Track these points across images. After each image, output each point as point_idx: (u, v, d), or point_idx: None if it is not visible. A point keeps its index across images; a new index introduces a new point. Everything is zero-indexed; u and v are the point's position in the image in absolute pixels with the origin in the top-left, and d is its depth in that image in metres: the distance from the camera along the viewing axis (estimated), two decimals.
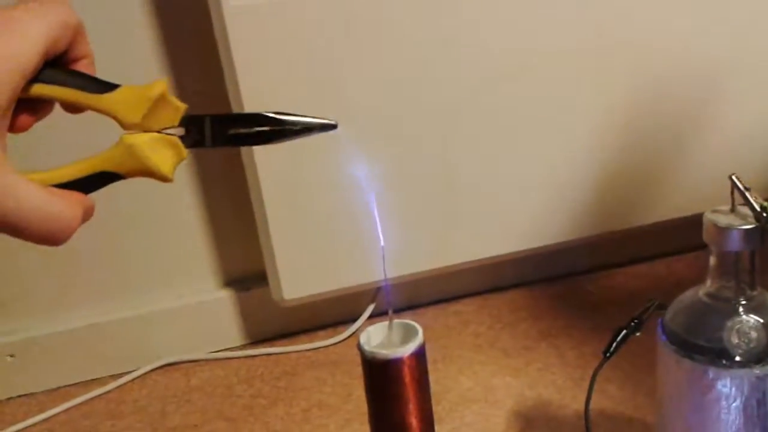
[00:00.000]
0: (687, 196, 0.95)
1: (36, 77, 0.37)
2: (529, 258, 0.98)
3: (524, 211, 0.93)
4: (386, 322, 0.44)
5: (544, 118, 0.89)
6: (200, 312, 0.96)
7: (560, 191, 0.93)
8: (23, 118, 0.38)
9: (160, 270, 0.95)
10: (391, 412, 0.43)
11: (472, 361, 0.89)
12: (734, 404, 0.52)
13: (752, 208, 0.50)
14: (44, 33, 0.35)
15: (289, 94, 0.81)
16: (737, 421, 0.53)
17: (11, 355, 0.92)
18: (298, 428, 0.81)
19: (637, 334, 0.60)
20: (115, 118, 0.38)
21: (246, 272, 0.98)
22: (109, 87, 0.38)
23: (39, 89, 0.37)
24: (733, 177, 0.51)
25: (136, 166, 0.38)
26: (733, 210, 0.52)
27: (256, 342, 0.98)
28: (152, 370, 0.94)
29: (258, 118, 0.39)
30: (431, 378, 0.45)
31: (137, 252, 0.93)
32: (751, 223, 0.50)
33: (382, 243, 0.43)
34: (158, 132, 0.39)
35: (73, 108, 0.40)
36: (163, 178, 0.39)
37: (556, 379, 0.83)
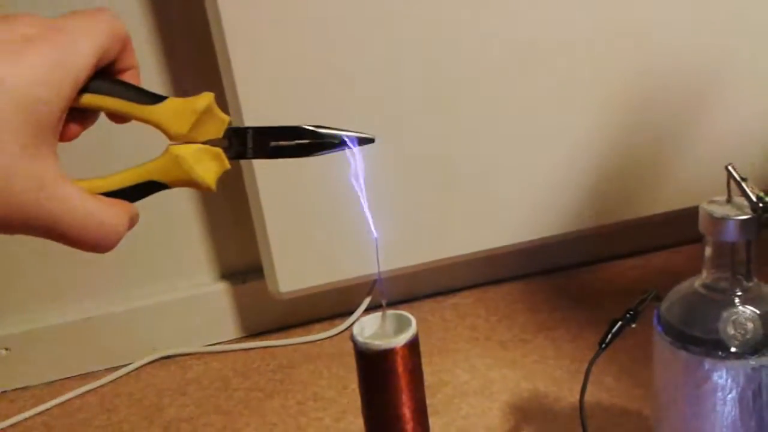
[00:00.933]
0: (684, 189, 0.95)
1: (86, 87, 0.37)
2: (526, 251, 0.98)
3: (520, 204, 0.93)
4: (380, 313, 0.44)
5: (540, 111, 0.89)
6: (196, 305, 0.96)
7: (557, 184, 0.93)
8: (72, 127, 0.39)
9: (155, 263, 0.95)
10: (384, 403, 0.43)
11: (468, 353, 0.88)
12: (730, 395, 0.52)
13: (748, 199, 0.50)
14: (96, 44, 0.36)
15: (286, 90, 0.81)
16: (733, 413, 0.53)
17: (6, 349, 0.92)
18: (293, 421, 0.81)
19: (633, 325, 0.60)
20: (162, 129, 0.39)
21: (242, 265, 0.98)
22: (156, 99, 0.39)
23: (88, 99, 0.38)
24: (730, 167, 0.51)
25: (181, 177, 0.39)
26: (729, 200, 0.52)
27: (252, 335, 0.98)
28: (148, 363, 0.94)
29: (298, 131, 0.40)
30: (427, 371, 0.44)
31: (133, 245, 0.92)
32: (747, 214, 0.50)
33: (375, 235, 0.43)
34: (203, 143, 0.39)
35: (119, 118, 0.40)
36: (207, 188, 0.40)
37: (552, 371, 0.83)
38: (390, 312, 0.44)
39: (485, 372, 0.84)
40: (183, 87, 0.88)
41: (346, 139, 0.41)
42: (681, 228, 0.99)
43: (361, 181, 0.42)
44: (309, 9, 0.80)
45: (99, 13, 0.37)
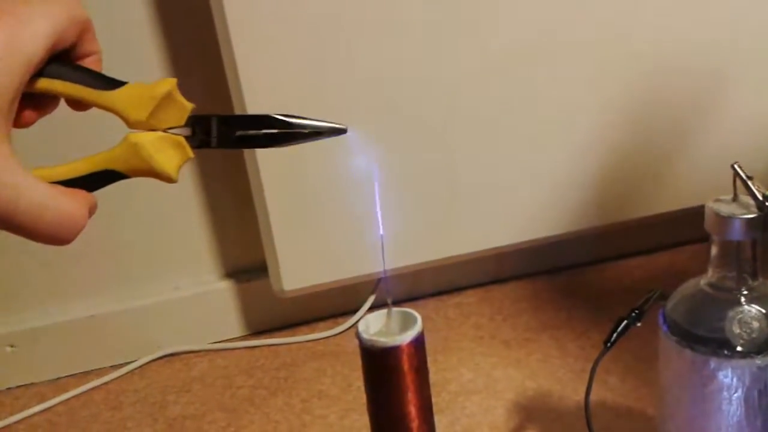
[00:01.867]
0: (689, 188, 0.94)
1: (41, 72, 0.36)
2: (530, 250, 0.98)
3: (525, 203, 0.93)
4: (385, 311, 0.44)
5: (546, 110, 0.89)
6: (200, 303, 0.96)
7: (562, 183, 0.93)
8: (27, 114, 0.37)
9: (160, 261, 0.95)
10: (389, 400, 0.43)
11: (473, 352, 0.88)
12: (735, 395, 0.52)
13: (754, 197, 0.50)
14: (51, 26, 0.35)
15: (289, 85, 0.81)
16: (738, 412, 0.53)
17: (11, 346, 0.92)
18: (297, 419, 0.81)
19: (638, 324, 0.59)
20: (120, 115, 0.38)
21: (246, 263, 0.98)
22: (115, 84, 0.38)
23: (44, 84, 0.37)
24: (736, 166, 0.51)
25: (140, 166, 0.38)
26: (735, 199, 0.52)
27: (256, 333, 0.98)
28: (152, 361, 0.94)
29: (266, 120, 0.39)
30: (431, 369, 0.44)
31: (137, 243, 0.93)
32: (753, 213, 0.50)
33: (381, 232, 0.43)
34: (164, 131, 0.38)
35: (77, 104, 0.39)
36: (167, 179, 0.38)
37: (556, 370, 0.83)
38: (395, 310, 0.44)
39: (489, 371, 0.84)
40: (185, 85, 0.88)
41: (317, 128, 0.39)
42: (686, 227, 0.98)
43: (373, 183, 0.41)
44: (314, 3, 0.80)
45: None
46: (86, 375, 0.93)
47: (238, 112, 0.82)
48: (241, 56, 0.79)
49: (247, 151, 0.85)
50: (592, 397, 0.62)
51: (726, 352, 0.51)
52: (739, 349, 0.51)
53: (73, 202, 0.36)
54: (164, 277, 0.95)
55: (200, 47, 0.86)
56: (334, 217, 0.86)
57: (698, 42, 0.89)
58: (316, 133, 0.39)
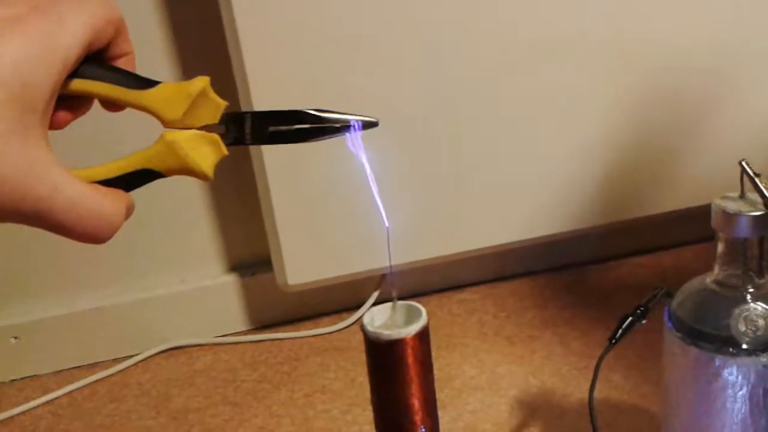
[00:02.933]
0: (694, 187, 0.94)
1: (75, 72, 0.36)
2: (535, 247, 0.97)
3: (531, 200, 0.92)
4: (390, 304, 0.44)
5: (551, 108, 0.89)
6: (205, 297, 0.96)
7: (567, 181, 0.92)
8: (62, 114, 0.37)
9: (164, 254, 0.95)
10: (393, 393, 0.43)
11: (476, 349, 0.88)
12: (740, 392, 0.52)
13: (761, 194, 0.50)
14: (87, 26, 0.35)
15: (296, 81, 0.81)
16: (743, 410, 0.52)
17: (15, 337, 0.93)
18: (301, 413, 0.81)
19: (643, 321, 0.59)
20: (155, 114, 0.38)
21: (250, 257, 0.98)
22: (149, 83, 0.38)
23: (78, 84, 0.36)
24: (743, 163, 0.50)
25: (176, 164, 0.38)
26: (742, 196, 0.51)
27: (260, 327, 0.98)
28: (156, 354, 0.94)
29: (298, 116, 0.39)
30: (435, 365, 0.44)
31: (142, 236, 0.93)
32: (760, 210, 0.50)
33: (386, 224, 0.43)
34: (199, 129, 0.38)
35: (112, 105, 0.39)
36: (204, 176, 0.38)
37: (560, 367, 0.83)
38: (400, 303, 0.44)
39: (493, 367, 0.84)
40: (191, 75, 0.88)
41: (349, 122, 0.39)
42: (692, 226, 0.98)
43: (367, 168, 0.41)
44: (323, 9, 0.80)
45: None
46: (90, 367, 0.94)
47: (245, 109, 0.82)
48: (249, 56, 0.79)
49: (252, 146, 0.84)
50: (596, 394, 0.62)
51: (731, 349, 0.51)
52: (744, 346, 0.51)
53: (109, 200, 0.36)
54: (169, 270, 0.95)
55: (208, 45, 0.86)
56: (339, 211, 0.86)
57: (705, 40, 0.89)
58: (347, 127, 0.39)
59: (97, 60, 0.37)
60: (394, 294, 0.44)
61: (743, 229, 0.50)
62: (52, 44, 0.33)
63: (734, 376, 0.52)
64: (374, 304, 0.95)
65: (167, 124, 0.38)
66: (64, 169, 0.34)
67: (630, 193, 0.95)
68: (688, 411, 0.56)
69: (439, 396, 0.45)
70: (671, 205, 0.96)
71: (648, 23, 0.88)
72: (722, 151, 0.92)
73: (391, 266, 0.44)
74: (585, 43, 0.87)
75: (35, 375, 0.94)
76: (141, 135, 0.39)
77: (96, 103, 0.39)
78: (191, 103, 0.38)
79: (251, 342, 0.96)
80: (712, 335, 0.52)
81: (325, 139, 0.39)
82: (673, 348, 0.55)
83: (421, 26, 0.82)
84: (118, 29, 0.37)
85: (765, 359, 0.51)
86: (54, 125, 0.37)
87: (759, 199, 0.50)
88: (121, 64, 0.39)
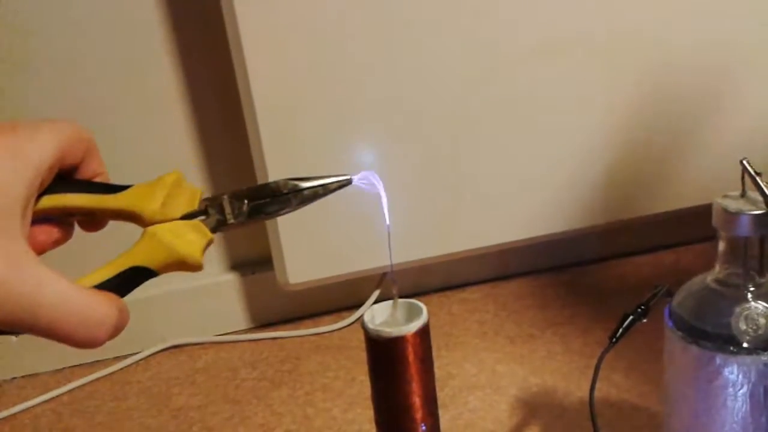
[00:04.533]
0: (695, 186, 0.94)
1: (48, 190, 0.36)
2: (536, 246, 0.97)
3: (531, 199, 0.92)
4: (391, 301, 0.44)
5: (552, 108, 0.89)
6: (205, 295, 0.96)
7: (568, 180, 0.92)
8: (42, 238, 0.38)
9: None
10: (394, 391, 0.43)
11: (477, 348, 0.88)
12: (741, 391, 0.52)
13: (763, 194, 0.50)
14: (56, 139, 0.35)
15: (299, 83, 0.81)
16: (744, 408, 0.52)
17: (16, 335, 0.93)
18: (301, 411, 0.81)
19: (644, 320, 0.59)
20: (134, 214, 0.38)
21: (252, 256, 0.98)
22: (121, 188, 0.38)
23: (54, 200, 0.37)
24: (744, 162, 0.50)
25: (164, 256, 0.37)
26: (743, 195, 0.51)
27: (260, 326, 0.99)
28: (157, 352, 0.95)
29: (275, 186, 0.39)
30: (435, 364, 0.44)
31: None
32: (761, 209, 0.50)
33: (387, 221, 0.43)
34: (180, 219, 0.38)
35: (89, 222, 0.39)
36: (194, 264, 0.38)
37: (560, 366, 0.83)
38: (401, 300, 0.44)
39: (493, 366, 0.84)
40: (193, 75, 0.88)
41: (324, 185, 0.40)
42: (693, 226, 0.99)
43: (379, 177, 0.41)
44: (324, 8, 0.80)
45: (60, 119, 0.37)
46: (91, 366, 0.94)
47: (247, 115, 0.82)
48: (252, 60, 0.79)
49: (253, 145, 0.85)
50: (596, 393, 0.62)
51: (732, 348, 0.51)
52: (745, 345, 0.51)
53: (99, 300, 0.35)
54: None
55: (210, 48, 0.86)
56: (340, 211, 0.86)
57: (706, 40, 0.89)
58: (325, 189, 0.41)
59: (71, 179, 0.38)
60: (395, 291, 0.44)
61: (744, 228, 0.50)
62: (23, 155, 0.34)
63: (735, 375, 0.52)
64: (374, 303, 0.95)
65: (146, 220, 0.38)
66: (48, 268, 0.33)
67: (631, 193, 0.95)
68: (688, 409, 0.55)
69: (440, 395, 0.45)
70: (672, 205, 0.96)
71: (649, 23, 0.88)
72: (723, 151, 0.92)
73: (391, 263, 0.44)
74: (586, 43, 0.87)
75: (36, 373, 0.94)
76: (126, 243, 0.39)
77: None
78: (167, 194, 0.38)
79: (252, 340, 0.96)
80: (713, 334, 0.52)
81: (306, 205, 0.40)
82: (673, 347, 0.55)
83: (422, 25, 0.82)
84: (89, 149, 0.38)
85: (765, 358, 0.51)
86: (35, 249, 0.36)
87: (760, 198, 0.50)
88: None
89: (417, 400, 0.43)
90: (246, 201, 0.39)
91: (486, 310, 0.96)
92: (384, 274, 0.94)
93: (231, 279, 0.97)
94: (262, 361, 0.91)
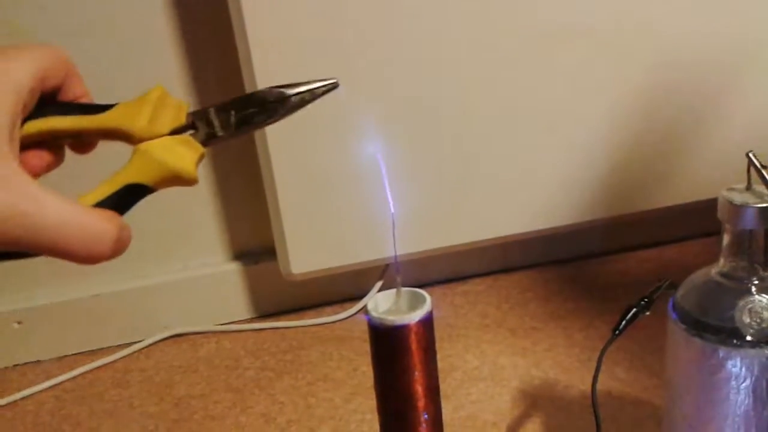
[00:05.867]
0: (700, 181, 0.94)
1: (35, 115, 0.36)
2: (540, 239, 0.97)
3: (535, 192, 0.92)
4: (394, 290, 0.44)
5: (557, 101, 0.89)
6: (208, 284, 0.96)
7: (573, 173, 0.92)
8: (34, 162, 0.37)
9: (168, 241, 0.95)
10: (397, 379, 0.43)
11: (479, 340, 0.88)
12: (744, 384, 0.52)
13: None
14: (36, 60, 0.35)
15: (302, 68, 0.81)
16: (746, 402, 0.52)
17: (19, 322, 0.93)
18: (303, 401, 0.81)
19: (647, 312, 0.59)
20: (121, 132, 0.37)
21: (255, 246, 0.98)
22: (106, 107, 0.38)
23: (40, 124, 0.37)
24: (750, 154, 0.50)
25: (158, 171, 0.37)
26: (748, 188, 0.51)
27: (263, 316, 0.99)
28: (159, 341, 0.95)
29: (261, 95, 0.39)
30: (437, 356, 0.44)
31: (147, 222, 0.92)
32: (766, 202, 0.50)
33: (392, 209, 0.43)
34: (169, 134, 0.38)
35: (79, 144, 0.39)
36: (188, 178, 0.37)
37: (563, 359, 0.83)
38: (405, 289, 0.44)
39: (495, 358, 0.84)
40: (199, 68, 0.88)
41: (311, 89, 0.39)
42: (696, 221, 0.98)
43: (383, 167, 0.41)
44: None
45: (36, 43, 0.37)
46: (93, 353, 0.94)
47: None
48: (255, 39, 0.79)
49: (257, 133, 0.85)
50: (598, 386, 0.62)
51: (735, 341, 0.51)
52: (748, 338, 0.51)
53: (98, 217, 0.34)
54: (173, 257, 0.95)
55: (214, 33, 0.86)
56: (344, 201, 0.86)
57: (711, 34, 0.89)
58: (312, 94, 0.39)
59: (54, 102, 0.38)
60: (398, 280, 0.44)
61: (749, 221, 0.50)
62: (3, 77, 0.34)
63: (738, 368, 0.52)
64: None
65: (136, 138, 0.37)
66: (46, 188, 0.33)
67: (635, 187, 0.95)
68: (690, 402, 0.55)
69: (442, 386, 0.45)
70: (676, 199, 0.96)
71: (655, 16, 0.87)
72: (727, 146, 0.92)
73: (395, 252, 0.44)
74: (591, 36, 0.86)
75: (38, 360, 0.94)
76: (119, 163, 0.38)
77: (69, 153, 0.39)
78: (153, 110, 0.38)
79: (254, 330, 0.96)
80: (717, 327, 0.52)
81: (293, 113, 0.39)
82: (676, 339, 0.55)
83: (429, 17, 0.82)
84: (69, 70, 0.38)
85: None
86: (30, 175, 0.36)
87: (765, 191, 0.50)
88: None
89: (419, 389, 0.43)
90: (233, 112, 0.39)
91: (488, 302, 0.96)
92: (387, 266, 0.94)
93: (234, 268, 0.97)
94: (265, 351, 0.91)
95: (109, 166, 0.38)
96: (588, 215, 0.95)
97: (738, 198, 0.50)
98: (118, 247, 0.35)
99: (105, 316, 0.94)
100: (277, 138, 0.83)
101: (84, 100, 0.39)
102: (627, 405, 0.74)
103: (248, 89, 0.82)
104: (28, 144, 0.37)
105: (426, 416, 0.43)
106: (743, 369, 0.51)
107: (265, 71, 0.80)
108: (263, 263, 0.97)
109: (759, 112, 0.92)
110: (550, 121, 0.89)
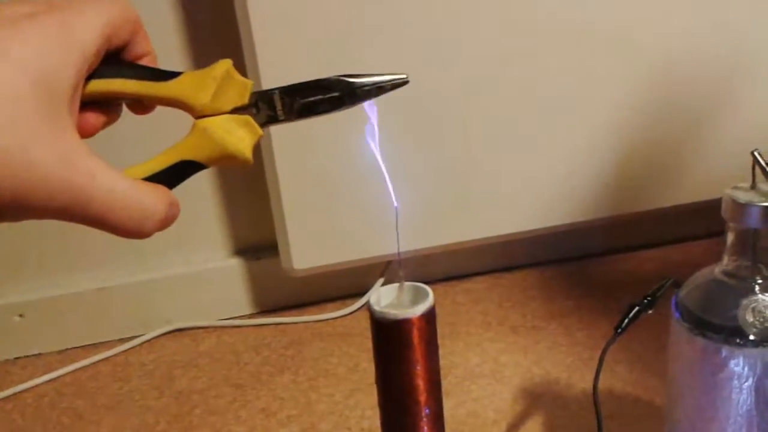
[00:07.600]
0: (703, 181, 0.94)
1: (98, 74, 0.35)
2: (542, 238, 0.97)
3: (539, 191, 0.92)
4: (397, 284, 0.44)
5: (561, 99, 0.88)
6: (210, 279, 0.96)
7: (575, 172, 0.92)
8: (91, 120, 0.37)
9: (170, 236, 0.94)
10: (398, 373, 0.43)
11: (480, 338, 0.88)
12: (746, 384, 0.52)
13: None
14: (102, 19, 0.34)
15: (307, 68, 0.81)
16: (749, 401, 0.52)
17: (20, 315, 0.93)
18: (304, 396, 0.81)
19: (650, 311, 0.59)
20: (183, 104, 0.37)
21: (256, 241, 0.98)
22: (172, 75, 0.37)
23: (102, 84, 0.36)
24: (755, 153, 0.50)
25: (214, 151, 0.37)
26: (753, 187, 0.51)
27: (264, 311, 0.99)
28: (161, 335, 0.95)
29: (328, 83, 0.38)
30: (439, 353, 0.44)
31: None
32: None
33: (395, 204, 0.43)
34: (230, 113, 0.37)
35: (139, 106, 0.38)
36: (243, 160, 0.37)
37: (564, 358, 0.82)
38: (407, 284, 0.44)
39: (496, 356, 0.84)
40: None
41: (380, 83, 0.38)
42: (700, 221, 0.98)
43: (385, 164, 0.41)
44: None
45: None
46: (94, 347, 0.94)
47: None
48: (260, 38, 0.79)
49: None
50: (600, 385, 0.61)
51: (738, 340, 0.51)
52: (751, 337, 0.51)
53: (149, 192, 0.34)
54: (175, 251, 0.95)
55: (220, 29, 0.86)
56: (346, 197, 0.86)
57: (714, 33, 0.89)
58: (379, 89, 0.39)
59: (119, 61, 0.37)
60: (401, 274, 0.44)
61: (753, 220, 0.50)
62: (69, 36, 0.33)
63: (740, 367, 0.51)
64: None
65: (197, 112, 0.37)
66: (99, 158, 0.33)
67: (638, 186, 0.94)
68: (692, 401, 0.55)
69: (443, 383, 0.45)
70: (679, 199, 0.96)
71: (659, 15, 0.87)
72: (731, 146, 0.92)
73: (398, 247, 0.44)
74: (595, 35, 0.86)
75: (39, 353, 0.94)
76: (175, 133, 0.38)
77: (127, 111, 0.39)
78: (217, 86, 0.37)
79: (255, 325, 0.96)
80: (720, 326, 0.52)
81: (358, 104, 0.39)
82: (679, 338, 0.54)
83: (433, 13, 0.82)
84: (135, 28, 0.37)
85: None
86: (84, 132, 0.36)
87: None
88: (143, 63, 0.38)
89: (421, 383, 0.43)
90: (298, 97, 0.38)
91: (490, 300, 0.96)
92: (389, 263, 0.94)
93: (236, 264, 0.97)
94: (266, 346, 0.91)
95: (160, 134, 0.37)
96: (590, 214, 0.95)
97: (742, 197, 0.50)
98: (166, 224, 0.35)
99: (106, 309, 0.94)
100: (280, 134, 0.83)
101: (148, 59, 0.38)
102: (628, 404, 0.74)
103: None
104: (86, 101, 0.36)
105: (427, 411, 0.43)
106: (746, 368, 0.51)
107: (270, 70, 0.80)
108: (265, 259, 0.96)
109: (763, 111, 0.92)
110: (553, 119, 0.89)
